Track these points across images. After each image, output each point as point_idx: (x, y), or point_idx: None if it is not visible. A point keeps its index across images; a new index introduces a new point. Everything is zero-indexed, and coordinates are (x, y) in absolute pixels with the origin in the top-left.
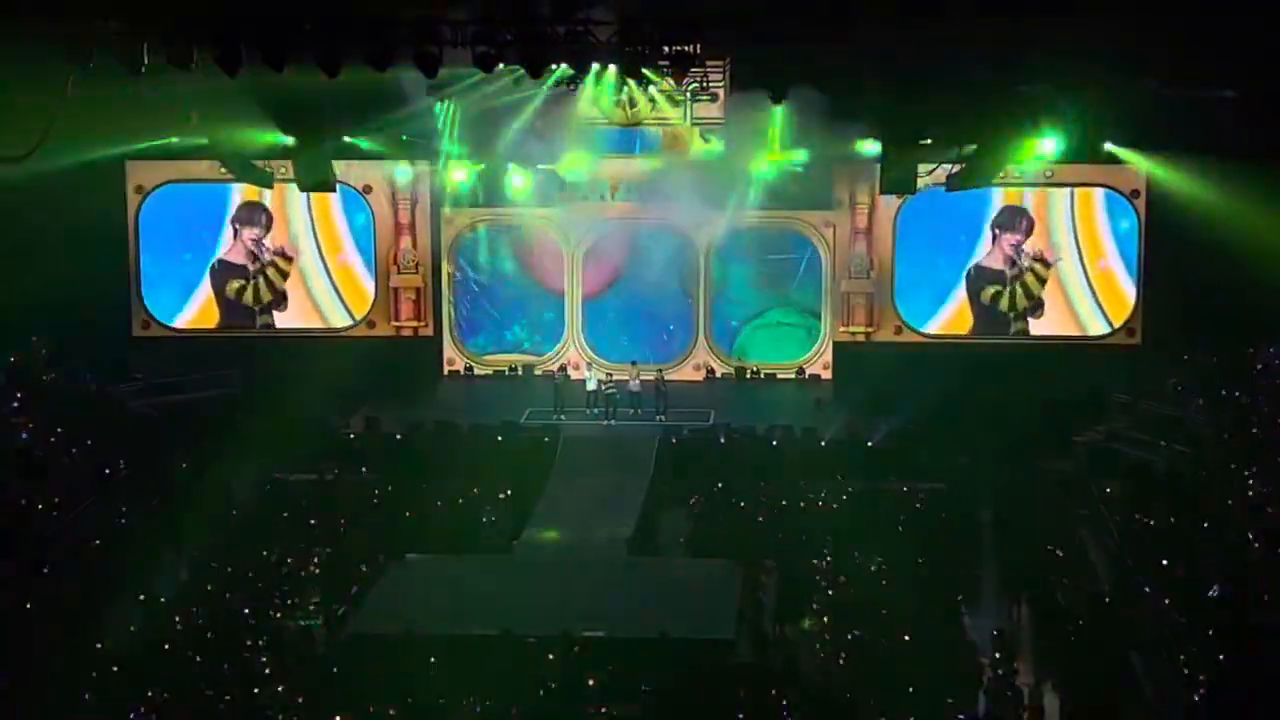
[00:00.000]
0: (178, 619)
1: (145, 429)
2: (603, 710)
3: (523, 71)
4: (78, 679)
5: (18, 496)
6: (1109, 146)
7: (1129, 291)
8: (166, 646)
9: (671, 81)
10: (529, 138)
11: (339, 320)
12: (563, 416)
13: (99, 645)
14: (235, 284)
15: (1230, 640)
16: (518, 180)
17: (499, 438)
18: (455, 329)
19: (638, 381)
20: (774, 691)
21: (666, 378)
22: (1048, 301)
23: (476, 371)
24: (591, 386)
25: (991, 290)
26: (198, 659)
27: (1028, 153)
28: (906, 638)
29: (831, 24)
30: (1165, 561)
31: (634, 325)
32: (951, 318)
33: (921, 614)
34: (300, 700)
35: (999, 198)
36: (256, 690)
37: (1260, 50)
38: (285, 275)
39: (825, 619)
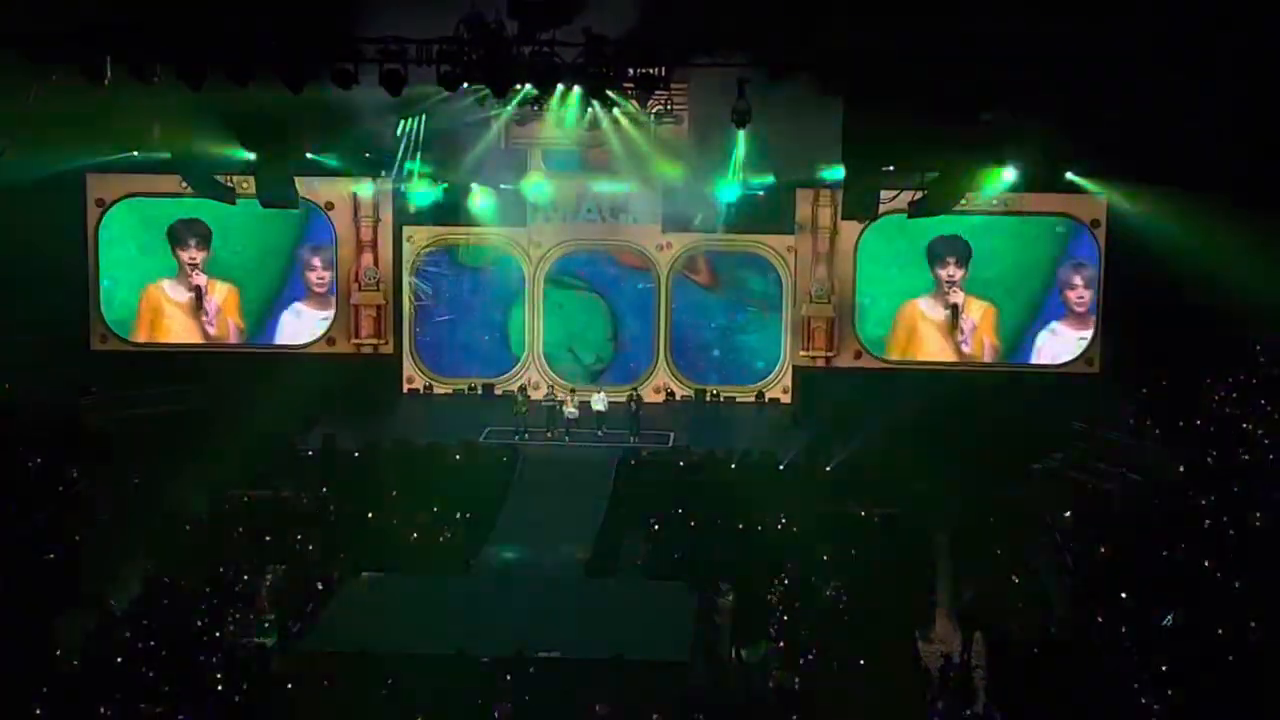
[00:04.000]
0: (130, 634)
1: (101, 443)
2: None
3: (487, 91)
4: (29, 693)
5: None
6: (1070, 176)
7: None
8: (119, 661)
9: (636, 104)
10: (493, 157)
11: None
12: (526, 436)
13: (51, 659)
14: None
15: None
16: (481, 200)
17: (457, 456)
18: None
19: (603, 401)
20: (728, 715)
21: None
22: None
23: (436, 390)
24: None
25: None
26: (150, 674)
27: (989, 181)
28: (861, 662)
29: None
30: (1119, 590)
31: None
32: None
33: (876, 639)
34: (252, 718)
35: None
36: (209, 707)
37: (1222, 80)
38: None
39: (780, 643)
